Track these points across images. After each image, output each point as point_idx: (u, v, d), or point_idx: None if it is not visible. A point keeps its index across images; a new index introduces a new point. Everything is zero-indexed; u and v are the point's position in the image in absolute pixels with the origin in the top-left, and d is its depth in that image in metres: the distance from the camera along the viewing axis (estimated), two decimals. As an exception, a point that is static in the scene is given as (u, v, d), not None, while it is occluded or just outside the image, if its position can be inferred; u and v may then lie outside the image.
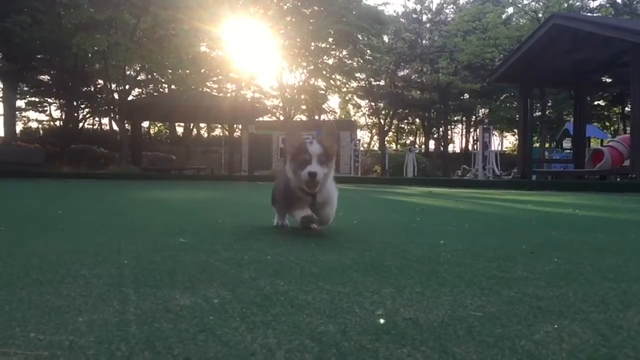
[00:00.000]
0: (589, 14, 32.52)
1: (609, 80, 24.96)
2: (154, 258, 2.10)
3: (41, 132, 40.22)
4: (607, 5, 35.53)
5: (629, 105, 16.97)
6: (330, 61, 28.87)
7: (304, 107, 38.20)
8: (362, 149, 32.80)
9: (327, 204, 2.90)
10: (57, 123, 39.00)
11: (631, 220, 4.55)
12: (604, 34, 13.26)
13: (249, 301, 1.42)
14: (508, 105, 38.29)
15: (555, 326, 1.21)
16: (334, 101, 47.32)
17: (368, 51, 30.08)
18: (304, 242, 2.63)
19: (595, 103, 36.99)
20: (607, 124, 41.44)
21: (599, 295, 1.51)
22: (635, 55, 12.76)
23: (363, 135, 48.11)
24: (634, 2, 36.90)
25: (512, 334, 1.16)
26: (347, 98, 44.07)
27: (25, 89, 34.94)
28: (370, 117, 48.22)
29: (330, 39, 26.75)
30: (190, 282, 1.65)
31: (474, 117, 45.43)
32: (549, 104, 36.08)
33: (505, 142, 48.17)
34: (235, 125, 28.75)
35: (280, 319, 1.25)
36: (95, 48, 22.12)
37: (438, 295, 1.50)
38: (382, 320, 1.28)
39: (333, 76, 29.52)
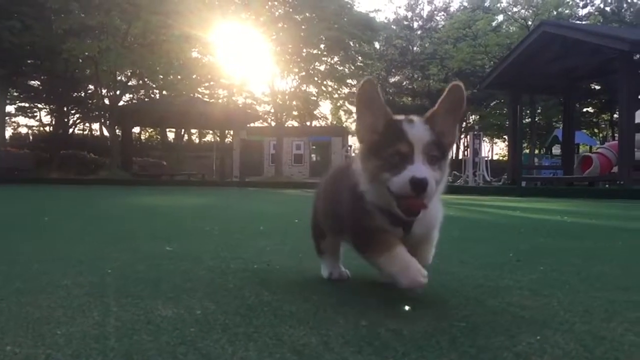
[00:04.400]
0: (578, 22, 32.82)
1: (597, 87, 25.18)
2: (138, 267, 2.08)
3: (31, 137, 39.94)
4: (596, 13, 35.90)
5: (618, 112, 17.10)
6: (322, 67, 28.92)
7: (295, 113, 38.23)
8: (353, 154, 32.86)
9: (429, 236, 1.65)
10: (47, 128, 38.80)
11: (619, 227, 4.57)
12: (593, 42, 13.37)
13: (232, 312, 1.40)
14: (498, 112, 38.49)
15: (538, 337, 1.20)
16: (325, 107, 47.37)
17: (359, 57, 30.16)
18: (292, 251, 2.62)
19: (584, 110, 37.27)
20: (595, 130, 41.75)
21: (584, 305, 1.51)
22: (623, 63, 12.87)
23: (354, 141, 48.20)
24: (622, 10, 37.28)
25: (495, 345, 1.15)
26: (338, 104, 44.10)
27: (15, 94, 34.70)
28: (362, 123, 48.26)
29: (322, 46, 26.81)
30: (174, 292, 1.63)
31: (464, 123, 45.64)
32: (539, 110, 36.27)
33: (496, 148, 48.47)
34: (226, 131, 28.71)
35: (262, 331, 1.24)
36: (86, 53, 22.05)
37: (423, 305, 1.49)
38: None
39: (325, 82, 29.56)
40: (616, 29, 21.84)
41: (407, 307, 1.45)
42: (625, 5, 37.62)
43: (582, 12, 38.05)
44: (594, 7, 37.97)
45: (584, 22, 32.78)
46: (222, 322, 1.30)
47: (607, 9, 37.43)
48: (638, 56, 14.24)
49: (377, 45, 35.58)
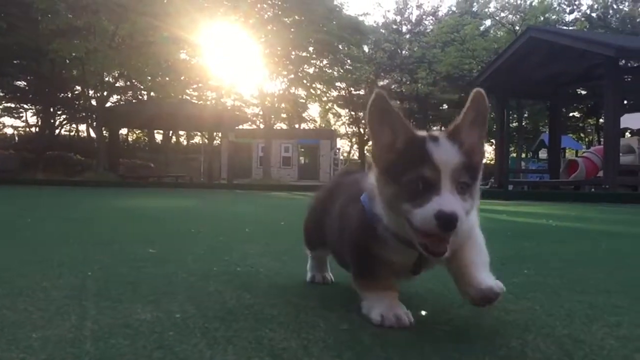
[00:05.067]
0: (565, 27, 33.16)
1: (583, 92, 25.36)
2: (120, 269, 2.06)
3: (16, 138, 39.51)
4: (582, 19, 36.22)
5: (603, 117, 17.29)
6: (311, 70, 28.93)
7: (284, 115, 38.23)
8: (342, 157, 32.91)
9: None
10: (33, 129, 38.42)
11: (603, 231, 4.60)
12: (579, 47, 13.49)
13: (212, 315, 1.38)
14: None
15: (520, 341, 1.20)
16: (314, 110, 47.41)
17: (348, 61, 30.22)
18: (276, 254, 2.60)
19: (571, 115, 37.60)
20: (582, 135, 42.13)
21: (565, 308, 1.51)
22: (609, 68, 12.99)
23: (343, 145, 48.27)
24: (608, 16, 37.72)
25: (477, 350, 1.15)
26: (327, 107, 44.18)
27: (1, 94, 34.35)
28: (351, 126, 48.34)
29: (311, 48, 26.81)
30: (154, 295, 1.60)
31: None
32: (526, 115, 36.60)
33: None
34: (215, 133, 28.61)
35: (242, 335, 1.22)
36: (73, 54, 21.89)
37: (408, 308, 1.48)
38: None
39: (313, 85, 29.56)
40: (602, 35, 22.07)
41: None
42: (611, 11, 38.08)
43: (569, 17, 38.47)
44: (580, 13, 38.41)
45: (570, 28, 33.12)
46: (202, 326, 1.29)
47: (594, 14, 37.86)
48: (623, 62, 14.43)
49: (365, 48, 35.69)
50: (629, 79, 16.60)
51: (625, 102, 23.96)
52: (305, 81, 28.71)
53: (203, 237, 3.31)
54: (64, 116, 38.52)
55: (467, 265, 1.31)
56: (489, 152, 47.42)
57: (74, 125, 42.92)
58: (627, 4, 37.36)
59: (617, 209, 8.43)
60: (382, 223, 1.30)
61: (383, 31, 41.50)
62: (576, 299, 1.66)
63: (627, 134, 21.13)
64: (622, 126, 15.46)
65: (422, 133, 1.26)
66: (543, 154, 27.47)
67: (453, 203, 1.14)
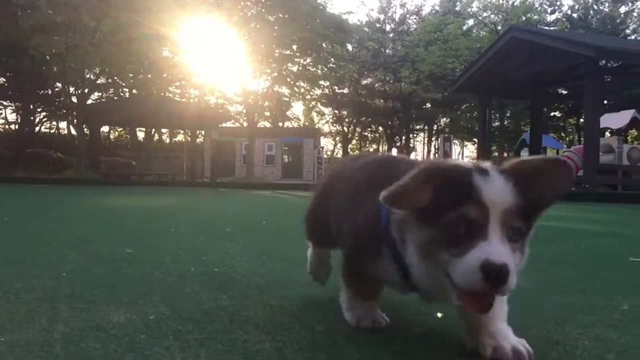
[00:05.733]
0: (546, 28, 33.48)
1: (564, 92, 25.69)
2: (96, 270, 2.03)
3: (-5, 135, 38.95)
4: (564, 19, 36.62)
5: (583, 117, 17.48)
6: (295, 68, 28.84)
7: (267, 113, 38.10)
8: (325, 156, 32.90)
9: None
10: (12, 127, 37.85)
11: (583, 230, 4.65)
12: (560, 47, 13.63)
13: (187, 317, 1.37)
14: (468, 115, 39.00)
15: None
16: (298, 108, 47.34)
17: (332, 59, 30.19)
18: (256, 253, 2.59)
19: (552, 114, 38.00)
20: (562, 134, 42.60)
21: (541, 309, 1.52)
22: (589, 69, 13.14)
23: (327, 143, 48.25)
24: (589, 17, 38.16)
25: (452, 351, 1.15)
26: (311, 105, 44.16)
27: (-21, 91, 33.80)
28: (334, 124, 48.41)
29: (295, 47, 26.73)
30: (129, 297, 1.58)
31: (435, 126, 46.12)
32: (508, 114, 36.90)
33: (466, 151, 49.11)
34: (197, 131, 28.42)
35: (216, 337, 1.21)
36: (54, 50, 21.56)
37: (385, 309, 1.47)
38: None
39: (297, 83, 29.47)
40: (583, 36, 22.32)
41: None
42: (591, 12, 38.53)
43: (550, 18, 38.83)
44: (561, 14, 38.80)
45: (552, 28, 33.45)
46: (175, 328, 1.27)
47: (575, 15, 38.28)
48: (603, 62, 14.61)
49: (349, 47, 35.68)
50: (609, 79, 16.84)
51: (605, 102, 24.31)
52: (289, 79, 28.62)
53: (182, 236, 3.28)
54: (44, 113, 38.00)
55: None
56: (471, 151, 47.83)
57: (54, 123, 42.35)
58: (607, 5, 37.84)
59: (596, 208, 8.53)
60: (393, 247, 1.10)
61: (367, 30, 41.54)
62: (552, 299, 1.67)
63: (607, 134, 21.44)
64: (602, 126, 15.68)
65: (467, 163, 1.04)
66: (524, 153, 27.69)
67: (503, 252, 0.93)
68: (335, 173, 1.55)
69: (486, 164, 1.03)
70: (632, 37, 35.18)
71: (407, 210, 1.03)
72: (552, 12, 39.33)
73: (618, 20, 37.14)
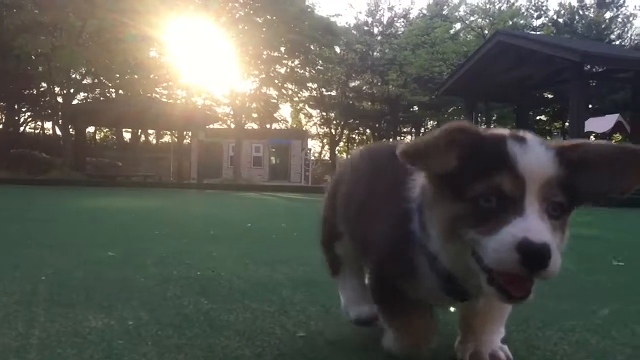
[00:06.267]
0: (533, 32, 33.75)
1: (550, 96, 25.87)
2: (76, 274, 2.00)
3: (-21, 136, 38.47)
4: (550, 24, 36.94)
5: (569, 121, 17.65)
6: (283, 70, 28.82)
7: (255, 115, 38.02)
8: (313, 158, 32.90)
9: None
10: (-3, 127, 37.43)
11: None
12: (546, 52, 13.75)
13: (167, 323, 1.35)
14: (456, 118, 39.16)
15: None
16: (285, 110, 47.28)
17: (320, 62, 30.19)
18: (240, 257, 2.57)
19: (538, 118, 38.31)
20: (548, 138, 43.04)
21: (523, 314, 1.52)
22: (575, 73, 13.27)
23: (314, 145, 48.24)
24: (574, 22, 38.54)
25: (433, 355, 1.14)
26: (299, 108, 44.10)
27: (-37, 90, 33.39)
28: (322, 127, 48.39)
29: (283, 49, 26.73)
30: (109, 302, 1.56)
31: (423, 129, 46.31)
32: (494, 118, 37.16)
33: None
34: (185, 133, 28.27)
35: (195, 343, 1.20)
36: (39, 50, 21.36)
37: (364, 314, 1.47)
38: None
39: (285, 85, 29.48)
40: (568, 41, 22.53)
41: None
42: (577, 17, 38.93)
43: (537, 23, 39.14)
44: (547, 19, 39.14)
45: (538, 33, 33.73)
46: (154, 334, 1.25)
47: (560, 20, 38.64)
48: (588, 67, 14.76)
49: (337, 49, 35.70)
50: (594, 84, 17.02)
51: (590, 106, 24.56)
52: (277, 81, 28.61)
53: (166, 239, 3.26)
54: (29, 114, 37.65)
55: (481, 315, 1.06)
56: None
57: (39, 123, 41.95)
58: (592, 10, 38.28)
59: (581, 211, 8.59)
60: (427, 253, 0.95)
61: (355, 33, 41.59)
62: (538, 302, 1.66)
63: (592, 138, 21.66)
64: (587, 130, 15.82)
65: (502, 131, 0.91)
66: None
67: (543, 230, 0.80)
68: (352, 167, 1.34)
69: (526, 133, 0.89)
70: (617, 42, 35.61)
71: (427, 175, 0.91)
72: (539, 17, 39.68)
73: (603, 26, 37.57)
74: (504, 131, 0.90)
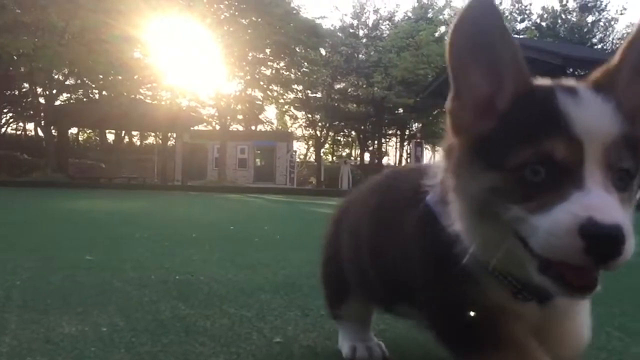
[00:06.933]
0: (516, 36, 34.07)
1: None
2: (52, 278, 1.97)
3: (-41, 136, 37.91)
4: (533, 27, 37.37)
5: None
6: (268, 72, 28.80)
7: (240, 117, 37.90)
8: (298, 160, 32.88)
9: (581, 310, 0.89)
10: (-23, 127, 36.92)
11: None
12: (529, 55, 13.89)
13: (142, 328, 1.33)
14: (440, 120, 39.42)
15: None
16: (270, 112, 47.18)
17: (305, 63, 30.22)
18: (220, 260, 2.55)
19: (522, 120, 38.70)
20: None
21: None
22: (557, 77, 13.42)
23: (299, 147, 48.21)
24: (557, 26, 38.98)
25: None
26: (284, 109, 44.05)
27: (-57, 90, 32.88)
28: (307, 128, 48.34)
29: (268, 50, 26.73)
30: (83, 307, 1.54)
31: (407, 131, 46.52)
32: (479, 120, 37.43)
33: (437, 156, 49.62)
34: (169, 134, 28.10)
35: (169, 349, 1.18)
36: (21, 50, 21.11)
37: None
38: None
39: (270, 87, 29.45)
40: (551, 44, 22.75)
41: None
42: (559, 21, 39.40)
43: (520, 26, 39.57)
44: (530, 22, 39.57)
45: (521, 36, 34.06)
46: (128, 340, 1.23)
47: (543, 24, 39.08)
48: (571, 70, 14.92)
49: (322, 51, 35.75)
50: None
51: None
52: (262, 83, 28.58)
53: (146, 242, 3.22)
54: (11, 114, 37.19)
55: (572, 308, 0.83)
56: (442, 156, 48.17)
57: (21, 124, 41.46)
58: (575, 14, 38.76)
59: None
60: (458, 241, 0.76)
61: (340, 35, 41.68)
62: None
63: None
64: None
65: (546, 81, 0.77)
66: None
67: (613, 207, 0.62)
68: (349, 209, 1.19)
69: (574, 82, 0.74)
70: (599, 46, 36.10)
71: (463, 142, 0.73)
72: (522, 21, 40.12)
73: (585, 30, 38.06)
74: (549, 81, 0.74)
